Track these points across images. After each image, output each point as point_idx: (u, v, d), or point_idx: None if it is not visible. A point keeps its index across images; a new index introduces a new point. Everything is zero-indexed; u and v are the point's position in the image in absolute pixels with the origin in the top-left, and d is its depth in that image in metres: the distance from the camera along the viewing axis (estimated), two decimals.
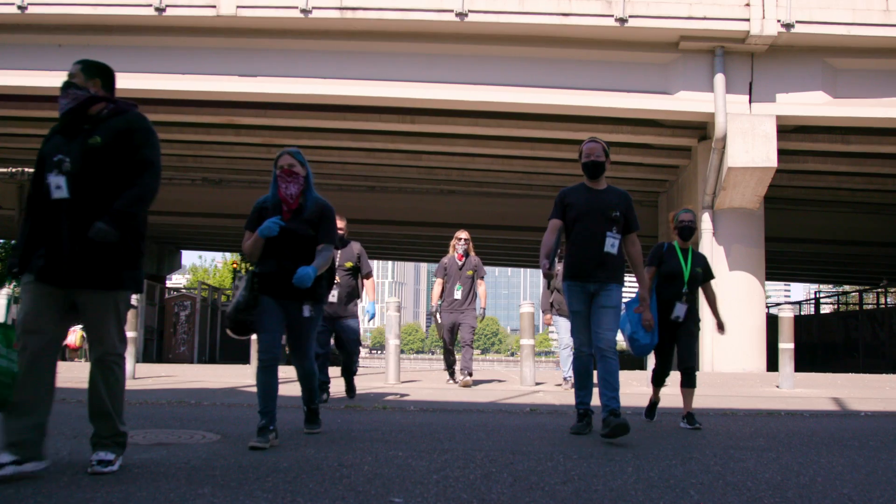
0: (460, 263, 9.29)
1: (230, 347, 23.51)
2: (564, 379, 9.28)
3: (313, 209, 4.68)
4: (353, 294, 7.42)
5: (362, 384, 9.62)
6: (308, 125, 17.87)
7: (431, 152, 19.93)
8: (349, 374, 7.59)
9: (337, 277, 6.85)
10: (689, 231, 5.99)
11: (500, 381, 10.54)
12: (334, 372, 8.21)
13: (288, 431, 5.07)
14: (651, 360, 6.84)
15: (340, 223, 6.78)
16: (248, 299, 4.59)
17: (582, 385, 5.29)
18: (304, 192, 4.69)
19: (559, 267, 7.27)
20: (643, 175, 19.77)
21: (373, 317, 7.59)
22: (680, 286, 5.83)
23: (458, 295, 9.21)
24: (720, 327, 6.10)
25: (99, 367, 3.62)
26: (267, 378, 4.60)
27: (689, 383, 5.83)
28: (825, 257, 30.49)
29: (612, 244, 5.10)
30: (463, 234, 9.47)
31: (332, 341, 7.59)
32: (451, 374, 9.82)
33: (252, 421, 4.69)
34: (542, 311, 9.35)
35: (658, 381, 6.07)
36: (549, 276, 5.20)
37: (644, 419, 6.11)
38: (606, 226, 5.09)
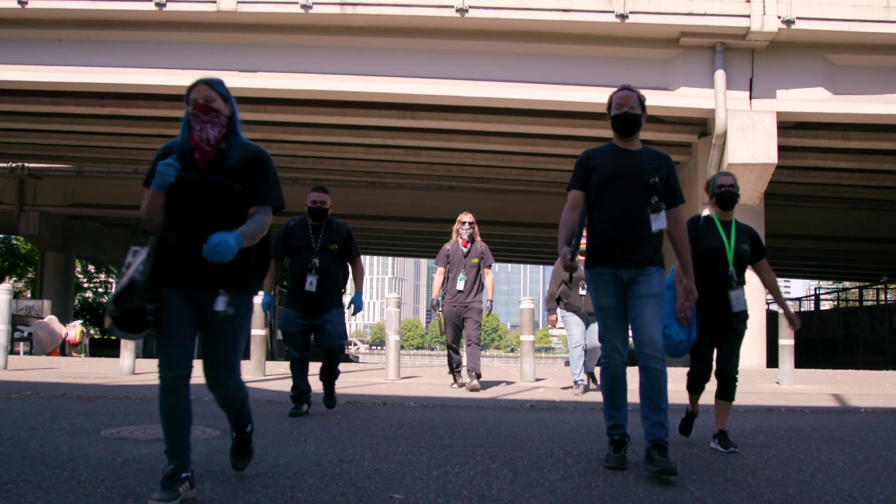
0: (465, 250, 8.28)
1: None
2: (576, 383, 8.08)
3: (241, 158, 3.30)
4: (336, 282, 6.18)
5: (362, 380, 9.62)
6: (308, 121, 17.85)
7: (431, 148, 19.92)
8: (329, 378, 6.23)
9: (317, 261, 5.91)
10: (730, 198, 4.78)
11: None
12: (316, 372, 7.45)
13: (287, 426, 5.06)
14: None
15: (320, 196, 6.02)
16: (146, 276, 3.15)
17: (615, 403, 4.02)
18: (227, 136, 3.31)
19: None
20: None
21: (359, 309, 6.23)
22: (724, 268, 4.64)
23: (461, 286, 8.20)
24: (792, 321, 4.87)
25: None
26: (173, 402, 3.39)
27: (726, 395, 4.71)
28: (825, 253, 30.51)
29: (651, 217, 3.97)
30: (467, 217, 8.40)
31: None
32: (456, 376, 8.75)
33: (256, 417, 4.66)
34: (548, 310, 8.21)
35: (695, 387, 4.86)
36: (571, 269, 3.92)
37: (678, 435, 4.93)
38: (642, 195, 3.97)
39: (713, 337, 4.68)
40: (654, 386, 3.86)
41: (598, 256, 4.01)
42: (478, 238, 8.41)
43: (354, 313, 6.27)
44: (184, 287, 3.21)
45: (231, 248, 2.98)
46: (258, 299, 6.17)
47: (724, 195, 4.79)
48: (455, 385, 8.62)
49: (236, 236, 3.03)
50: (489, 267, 8.42)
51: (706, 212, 4.97)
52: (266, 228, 3.29)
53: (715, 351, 4.74)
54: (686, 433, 4.99)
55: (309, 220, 6.05)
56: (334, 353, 6.10)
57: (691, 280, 4.10)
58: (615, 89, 4.21)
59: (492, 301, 8.44)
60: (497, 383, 9.31)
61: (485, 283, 8.36)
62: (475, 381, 8.16)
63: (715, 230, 4.73)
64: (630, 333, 4.05)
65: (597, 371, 8.10)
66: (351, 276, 6.46)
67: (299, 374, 6.03)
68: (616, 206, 3.98)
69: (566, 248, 3.94)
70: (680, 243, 4.13)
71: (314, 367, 6.09)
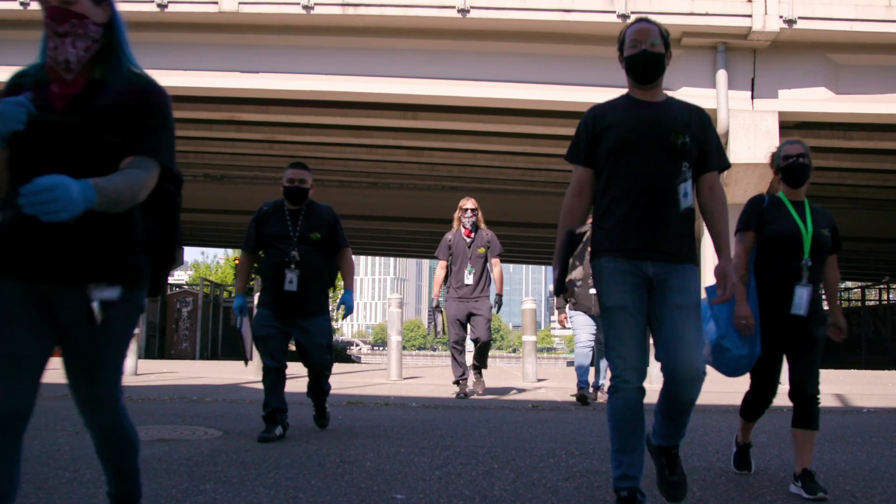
0: (469, 240, 7.46)
1: (232, 344, 23.52)
2: (580, 387, 7.18)
3: (123, 94, 2.20)
4: (321, 280, 5.06)
5: (364, 380, 9.63)
6: (309, 121, 17.87)
7: (433, 149, 19.93)
8: (318, 395, 5.19)
9: (296, 254, 4.85)
10: (799, 170, 3.72)
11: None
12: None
13: (292, 427, 5.06)
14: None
15: (298, 173, 4.94)
16: None
17: (626, 444, 2.95)
18: (103, 59, 2.25)
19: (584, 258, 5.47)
20: None
21: (349, 312, 5.08)
22: (798, 258, 3.62)
23: (468, 279, 7.36)
24: (841, 329, 3.91)
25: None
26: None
27: (808, 421, 3.66)
28: None
29: (683, 192, 3.00)
30: (469, 204, 7.56)
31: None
32: (462, 385, 7.59)
33: (255, 417, 4.66)
34: (557, 308, 7.46)
35: (754, 413, 3.89)
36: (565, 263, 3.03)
37: (735, 471, 3.98)
38: (670, 162, 2.99)
39: (781, 347, 3.69)
40: (681, 408, 3.01)
41: (613, 241, 3.00)
42: (482, 226, 7.61)
43: (345, 316, 5.25)
44: (31, 280, 2.14)
45: (71, 198, 1.80)
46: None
47: (793, 167, 3.72)
48: (461, 395, 7.53)
49: (84, 186, 1.86)
50: (497, 256, 7.57)
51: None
52: (142, 190, 2.11)
53: (784, 365, 3.79)
54: (744, 467, 3.97)
55: (286, 203, 4.97)
56: (319, 370, 5.05)
57: (727, 259, 3.03)
58: (629, 23, 3.27)
59: (501, 295, 7.59)
60: (499, 384, 9.32)
61: (493, 275, 7.54)
62: (481, 382, 7.62)
63: (786, 212, 3.71)
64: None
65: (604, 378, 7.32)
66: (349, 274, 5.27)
67: (272, 387, 4.85)
68: (636, 179, 2.97)
69: (557, 272, 3.07)
70: (716, 216, 3.09)
71: (300, 381, 5.48)
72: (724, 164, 3.18)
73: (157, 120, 2.21)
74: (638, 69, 3.07)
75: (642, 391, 2.95)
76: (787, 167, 3.74)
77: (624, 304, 2.94)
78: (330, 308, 5.30)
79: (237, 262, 6.42)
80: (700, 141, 3.06)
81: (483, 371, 7.87)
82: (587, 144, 3.08)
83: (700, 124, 3.09)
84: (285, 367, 4.95)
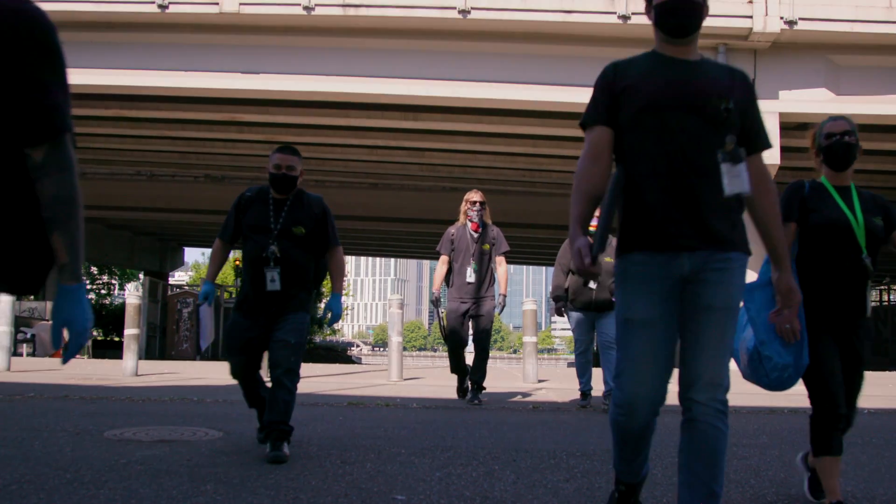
0: (475, 235, 6.94)
1: None
2: (582, 394, 6.94)
3: None
4: (303, 279, 4.34)
5: (364, 381, 9.62)
6: (310, 122, 17.88)
7: (433, 149, 19.94)
8: (278, 413, 4.12)
9: (275, 248, 4.20)
10: (843, 150, 3.20)
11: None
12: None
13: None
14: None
15: (287, 158, 4.28)
16: None
17: (632, 454, 2.59)
18: None
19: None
20: None
21: (336, 318, 4.40)
22: (849, 250, 3.13)
23: (472, 278, 6.84)
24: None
25: None
26: None
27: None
28: None
29: (725, 170, 2.36)
30: (477, 196, 7.02)
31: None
32: (464, 391, 7.22)
33: (254, 419, 4.64)
34: (553, 299, 6.81)
35: (828, 442, 3.06)
36: (590, 276, 2.66)
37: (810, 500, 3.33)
38: (709, 132, 2.38)
39: (836, 355, 3.09)
40: (706, 451, 2.35)
41: (639, 236, 2.43)
42: (489, 221, 7.08)
43: (331, 323, 4.45)
44: None
45: (86, 324, 1.71)
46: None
47: (836, 147, 3.19)
48: (467, 400, 7.06)
49: (79, 302, 1.69)
50: (503, 255, 7.03)
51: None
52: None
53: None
54: (819, 497, 3.27)
55: (271, 191, 4.36)
56: (279, 368, 4.12)
57: (788, 272, 2.60)
58: None
59: (504, 296, 7.04)
60: (500, 385, 9.32)
61: (497, 274, 6.99)
62: (478, 397, 6.98)
63: (830, 198, 3.19)
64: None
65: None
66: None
67: (255, 398, 4.38)
68: (667, 150, 2.38)
69: (581, 240, 2.33)
70: (767, 212, 2.50)
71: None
72: (767, 144, 2.56)
73: (38, 56, 1.55)
74: (671, 16, 2.45)
75: (656, 415, 2.45)
76: (829, 147, 3.20)
77: (650, 319, 2.38)
78: (317, 313, 4.70)
79: (237, 262, 6.07)
80: (744, 112, 2.45)
81: (482, 387, 7.14)
82: (607, 102, 2.49)
83: (745, 92, 2.48)
84: (260, 382, 4.39)
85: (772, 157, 14.40)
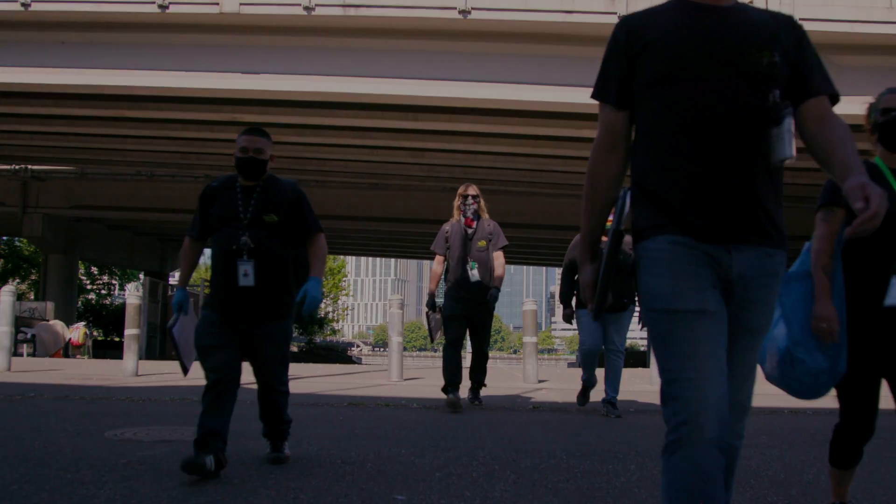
0: (470, 231, 6.64)
1: None
2: (584, 388, 6.80)
3: None
4: (282, 274, 3.92)
5: (365, 381, 9.61)
6: (311, 122, 17.88)
7: (434, 150, 19.95)
8: (273, 423, 4.12)
9: (247, 239, 3.78)
10: None
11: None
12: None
13: (293, 427, 5.05)
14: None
15: (254, 140, 3.84)
16: None
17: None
18: None
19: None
20: None
21: (313, 305, 3.75)
22: None
23: (475, 277, 6.52)
24: None
25: None
26: None
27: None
28: None
29: (779, 136, 1.91)
30: (470, 190, 6.72)
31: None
32: (454, 394, 6.45)
33: (255, 418, 4.63)
34: (562, 303, 6.50)
35: (849, 457, 3.07)
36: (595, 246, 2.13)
37: None
38: (752, 91, 1.93)
39: (880, 362, 2.74)
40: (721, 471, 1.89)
41: (668, 220, 1.95)
42: (485, 215, 6.76)
43: (307, 310, 3.78)
44: None
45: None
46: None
47: (893, 124, 2.74)
48: (451, 405, 6.42)
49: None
50: (501, 249, 6.68)
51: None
52: None
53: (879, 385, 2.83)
54: None
55: (239, 178, 3.94)
56: (270, 388, 4.03)
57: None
58: None
59: (498, 289, 6.62)
60: (500, 386, 9.31)
61: (493, 266, 6.63)
62: (478, 397, 6.85)
63: (885, 182, 2.69)
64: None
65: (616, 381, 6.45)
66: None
67: (212, 405, 3.73)
68: (701, 120, 1.93)
69: (588, 274, 2.13)
70: (833, 139, 1.98)
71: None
72: (834, 91, 2.11)
73: None
74: None
75: (723, 449, 1.84)
76: (885, 123, 2.75)
77: (702, 307, 1.89)
78: (291, 314, 4.05)
79: None
80: (794, 60, 2.02)
81: (482, 387, 7.01)
82: (620, 70, 2.04)
83: (793, 37, 2.04)
84: (236, 381, 3.83)
85: None
